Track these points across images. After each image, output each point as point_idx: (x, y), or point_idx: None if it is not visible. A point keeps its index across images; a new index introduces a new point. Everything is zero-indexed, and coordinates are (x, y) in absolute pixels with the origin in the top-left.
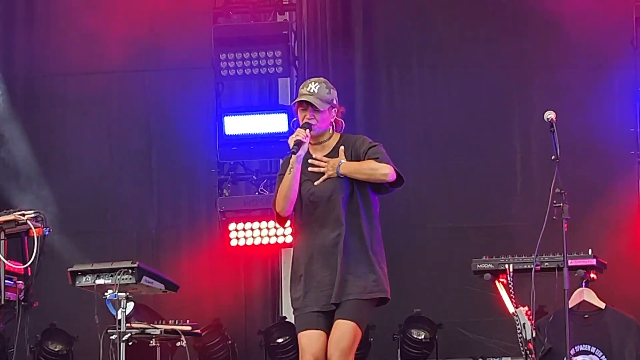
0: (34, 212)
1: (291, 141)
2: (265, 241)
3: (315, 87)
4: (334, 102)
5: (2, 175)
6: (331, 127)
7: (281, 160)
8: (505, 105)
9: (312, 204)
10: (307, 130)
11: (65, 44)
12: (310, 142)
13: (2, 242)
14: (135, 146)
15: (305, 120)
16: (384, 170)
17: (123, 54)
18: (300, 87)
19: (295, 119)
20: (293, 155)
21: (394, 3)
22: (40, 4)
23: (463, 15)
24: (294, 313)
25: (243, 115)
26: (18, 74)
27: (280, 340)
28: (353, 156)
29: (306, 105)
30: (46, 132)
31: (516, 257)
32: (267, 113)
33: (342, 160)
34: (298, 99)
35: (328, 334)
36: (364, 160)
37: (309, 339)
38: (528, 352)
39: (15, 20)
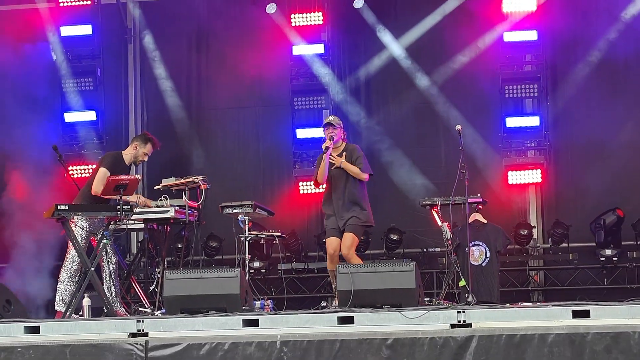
0: (202, 177)
1: (324, 146)
2: (316, 191)
3: (332, 117)
4: (342, 126)
5: (195, 162)
6: (341, 139)
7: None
8: (435, 121)
9: (333, 177)
10: (331, 141)
11: (216, 90)
12: (332, 147)
13: (187, 192)
14: (251, 145)
15: (329, 135)
16: (362, 176)
17: (243, 97)
18: (325, 118)
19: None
20: (323, 154)
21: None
22: (205, 58)
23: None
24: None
25: (305, 128)
26: (193, 105)
27: (324, 240)
28: (349, 159)
29: (328, 125)
30: (207, 139)
31: (442, 197)
32: (316, 127)
33: (343, 160)
34: (325, 122)
35: (340, 240)
36: (353, 164)
37: (331, 242)
38: (447, 245)
39: (190, 68)
